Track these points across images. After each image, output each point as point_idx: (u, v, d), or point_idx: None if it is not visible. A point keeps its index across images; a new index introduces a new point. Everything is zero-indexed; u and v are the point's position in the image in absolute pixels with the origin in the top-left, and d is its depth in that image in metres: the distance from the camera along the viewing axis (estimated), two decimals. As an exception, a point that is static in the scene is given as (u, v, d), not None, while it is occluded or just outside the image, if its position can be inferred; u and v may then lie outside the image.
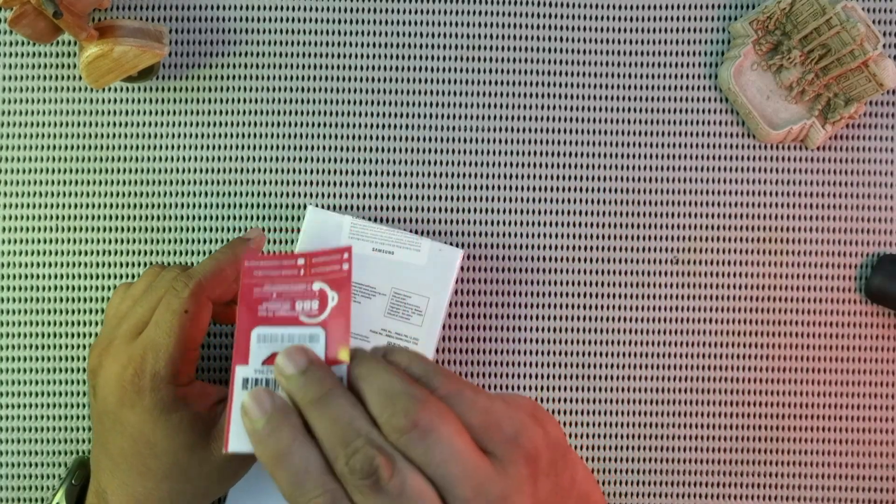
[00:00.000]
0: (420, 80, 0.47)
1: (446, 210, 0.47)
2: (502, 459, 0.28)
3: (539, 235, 0.47)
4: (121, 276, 0.47)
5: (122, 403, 0.37)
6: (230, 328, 0.47)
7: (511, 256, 0.47)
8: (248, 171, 0.47)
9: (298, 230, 0.47)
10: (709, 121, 0.48)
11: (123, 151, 0.47)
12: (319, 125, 0.47)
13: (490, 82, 0.47)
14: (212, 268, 0.39)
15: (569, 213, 0.48)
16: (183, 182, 0.47)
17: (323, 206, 0.47)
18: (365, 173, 0.47)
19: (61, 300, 0.47)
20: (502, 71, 0.47)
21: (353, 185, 0.47)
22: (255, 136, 0.47)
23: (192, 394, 0.38)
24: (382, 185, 0.47)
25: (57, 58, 0.47)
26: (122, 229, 0.47)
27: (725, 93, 0.47)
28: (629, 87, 0.48)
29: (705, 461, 0.48)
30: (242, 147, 0.47)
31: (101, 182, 0.47)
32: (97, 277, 0.47)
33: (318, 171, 0.47)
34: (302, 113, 0.47)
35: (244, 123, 0.47)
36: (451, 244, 0.46)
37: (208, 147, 0.47)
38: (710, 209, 0.48)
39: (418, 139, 0.47)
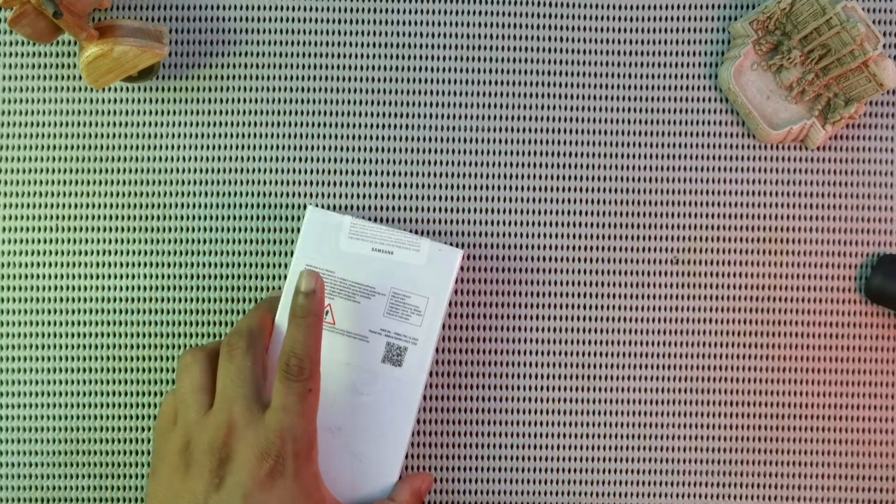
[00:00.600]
0: (420, 80, 0.47)
1: (446, 210, 0.47)
2: None
3: (539, 235, 0.47)
4: (121, 276, 0.47)
5: (262, 487, 0.37)
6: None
7: (511, 256, 0.47)
8: (248, 171, 0.47)
9: (298, 230, 0.47)
10: (709, 121, 0.48)
11: (123, 151, 0.47)
12: (319, 125, 0.47)
13: (490, 82, 0.47)
14: (304, 339, 0.40)
15: (569, 213, 0.48)
16: (183, 182, 0.47)
17: (323, 206, 0.47)
18: (365, 173, 0.47)
19: (61, 300, 0.47)
20: (502, 71, 0.47)
21: (353, 185, 0.47)
22: (255, 136, 0.47)
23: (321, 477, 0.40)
24: (382, 185, 0.47)
25: (57, 58, 0.47)
26: (122, 229, 0.47)
27: (725, 93, 0.47)
28: (629, 87, 0.48)
29: (705, 461, 0.48)
30: (242, 147, 0.47)
31: (101, 182, 0.47)
32: (97, 277, 0.47)
33: (318, 171, 0.47)
34: (302, 113, 0.47)
35: (244, 123, 0.47)
36: (451, 244, 0.46)
37: (208, 147, 0.47)
38: (710, 209, 0.48)
39: (418, 139, 0.47)
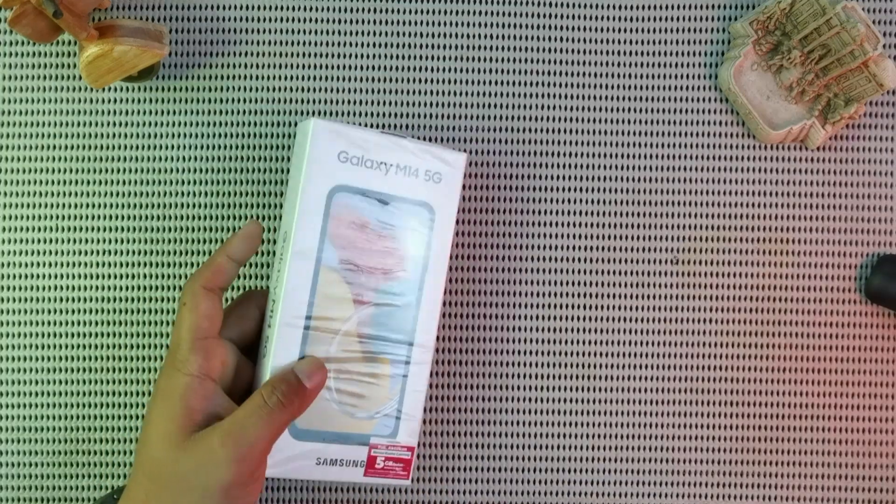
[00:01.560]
0: (420, 80, 0.47)
1: (446, 210, 0.47)
2: None
3: (539, 235, 0.48)
4: (121, 276, 0.47)
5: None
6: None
7: (511, 257, 0.47)
8: (247, 171, 0.47)
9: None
10: (709, 121, 0.48)
11: (123, 151, 0.47)
12: (319, 125, 0.47)
13: (490, 82, 0.47)
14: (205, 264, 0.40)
15: (569, 213, 0.48)
16: (183, 182, 0.47)
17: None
18: (365, 173, 0.47)
19: (61, 300, 0.47)
20: (502, 71, 0.47)
21: (353, 185, 0.47)
22: (255, 136, 0.47)
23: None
24: (382, 185, 0.47)
25: (57, 58, 0.47)
26: (122, 229, 0.47)
27: (725, 93, 0.47)
28: (629, 87, 0.48)
29: (705, 461, 0.48)
30: (242, 147, 0.47)
31: (101, 182, 0.47)
32: (97, 277, 0.47)
33: (318, 171, 0.47)
34: (302, 113, 0.47)
35: (244, 123, 0.47)
36: (451, 244, 0.46)
37: (208, 147, 0.47)
38: (710, 209, 0.48)
39: (418, 139, 0.47)
